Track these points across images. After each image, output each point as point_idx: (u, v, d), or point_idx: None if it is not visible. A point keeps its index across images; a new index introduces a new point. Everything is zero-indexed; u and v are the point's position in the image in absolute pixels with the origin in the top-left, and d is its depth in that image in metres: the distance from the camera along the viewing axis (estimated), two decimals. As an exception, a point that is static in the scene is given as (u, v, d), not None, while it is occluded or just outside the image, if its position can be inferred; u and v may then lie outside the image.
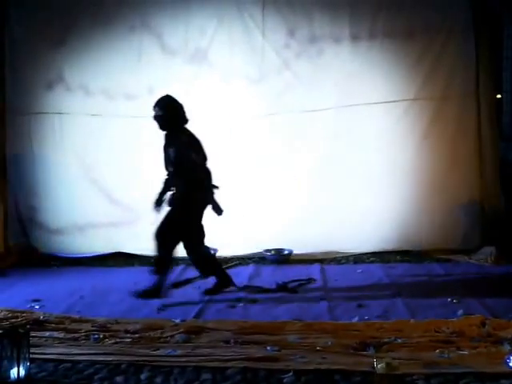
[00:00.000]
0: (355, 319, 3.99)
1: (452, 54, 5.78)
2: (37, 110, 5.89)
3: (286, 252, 5.83)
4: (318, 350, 3.40)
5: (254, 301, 4.54)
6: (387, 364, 2.73)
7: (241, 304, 4.46)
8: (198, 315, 4.20)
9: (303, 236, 5.82)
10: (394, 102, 5.81)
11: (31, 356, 3.15)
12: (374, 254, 5.82)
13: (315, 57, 5.84)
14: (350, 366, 3.15)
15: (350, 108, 5.83)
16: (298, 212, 5.86)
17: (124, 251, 5.92)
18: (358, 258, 5.78)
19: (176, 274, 5.27)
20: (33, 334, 3.41)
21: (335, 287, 4.87)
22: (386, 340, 3.49)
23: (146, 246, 5.71)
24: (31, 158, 5.91)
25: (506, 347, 3.37)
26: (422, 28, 5.75)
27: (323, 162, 5.89)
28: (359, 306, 4.32)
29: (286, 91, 5.88)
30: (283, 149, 5.91)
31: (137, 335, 3.70)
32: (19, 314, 4.07)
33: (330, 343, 3.49)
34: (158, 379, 3.12)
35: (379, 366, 2.74)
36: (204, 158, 4.68)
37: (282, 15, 5.84)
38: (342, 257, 5.80)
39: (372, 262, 5.68)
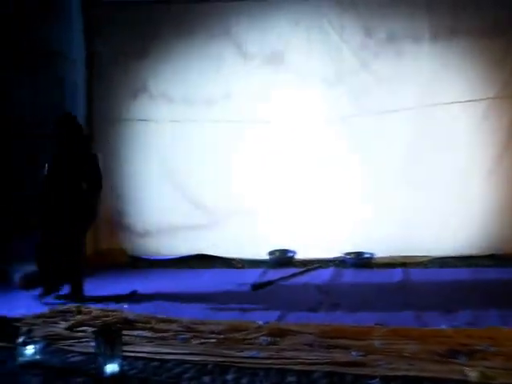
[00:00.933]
0: (443, 325, 3.87)
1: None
2: (123, 118, 6.07)
3: (367, 255, 5.76)
4: (405, 357, 3.33)
5: (336, 304, 4.52)
6: (481, 373, 2.65)
7: (322, 308, 4.44)
8: (280, 318, 4.20)
9: (384, 238, 5.74)
10: (474, 101, 5.66)
11: (123, 353, 3.25)
12: (459, 257, 5.66)
13: (393, 57, 5.76)
14: (439, 374, 3.07)
15: (430, 108, 5.72)
16: (378, 214, 5.80)
17: (206, 253, 6.01)
18: (443, 262, 5.61)
19: (256, 275, 5.34)
20: (123, 332, 3.48)
21: (420, 292, 4.76)
22: (477, 348, 3.37)
23: (228, 248, 5.94)
24: (118, 164, 6.08)
25: None
26: (505, 25, 5.58)
27: (402, 163, 5.81)
28: (447, 311, 4.19)
29: (364, 92, 5.83)
30: (361, 150, 5.87)
31: (222, 336, 3.75)
32: (110, 313, 4.20)
33: (417, 350, 3.40)
34: (244, 380, 3.16)
35: (473, 374, 2.67)
36: (95, 185, 4.70)
37: (358, 15, 5.78)
38: (427, 261, 5.66)
39: (458, 266, 5.52)
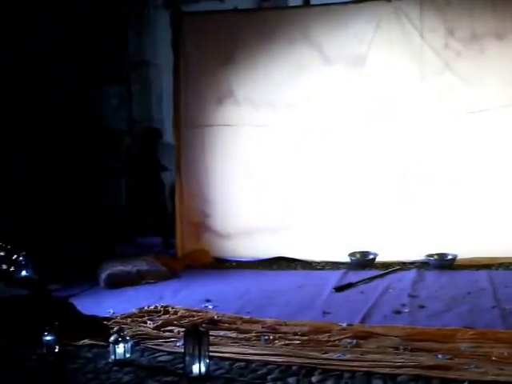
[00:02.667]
0: (532, 329, 3.79)
1: None
2: (208, 123, 6.19)
3: (450, 257, 5.65)
4: (494, 361, 3.26)
5: (421, 307, 4.45)
6: None
7: (406, 310, 4.39)
8: (363, 320, 4.19)
9: (468, 240, 5.63)
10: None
11: (210, 354, 3.32)
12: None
13: (477, 55, 5.63)
14: (529, 379, 3.00)
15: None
16: (462, 215, 5.70)
17: (286, 256, 6.05)
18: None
19: (337, 277, 5.33)
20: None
21: (507, 294, 4.61)
22: None
23: (307, 250, 5.98)
24: (203, 168, 6.23)
25: None
26: None
27: (488, 164, 5.67)
28: (535, 314, 4.10)
29: (448, 92, 5.73)
30: (446, 150, 5.77)
31: (305, 338, 3.76)
32: (195, 313, 4.31)
33: (506, 353, 3.33)
34: (329, 383, 3.15)
35: None
36: None
37: (440, 14, 5.67)
38: (510, 262, 5.49)
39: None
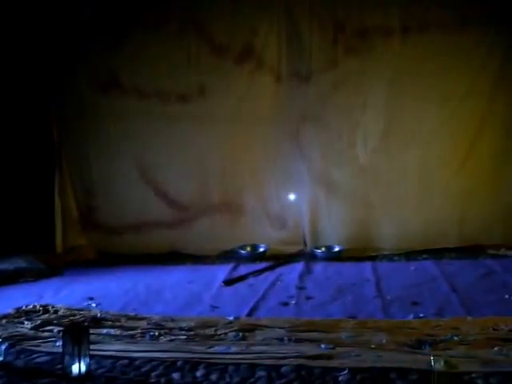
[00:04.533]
0: (410, 317, 3.93)
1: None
2: (91, 113, 5.92)
3: (337, 249, 5.79)
4: (373, 348, 3.36)
5: (308, 298, 4.53)
6: (445, 362, 2.69)
7: (293, 301, 4.45)
8: (250, 313, 4.20)
9: (355, 233, 5.83)
10: (443, 97, 5.70)
11: (90, 352, 3.21)
12: (425, 250, 5.70)
13: (366, 51, 5.73)
14: (406, 364, 3.09)
15: (399, 104, 5.73)
16: (348, 208, 5.88)
17: (178, 251, 5.97)
18: (410, 255, 5.64)
19: (227, 271, 5.33)
20: (91, 331, 3.42)
21: (389, 285, 4.78)
22: (442, 338, 3.43)
23: (200, 245, 5.92)
24: (88, 160, 6.01)
25: None
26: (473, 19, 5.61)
27: (371, 159, 5.86)
28: (414, 303, 4.25)
29: (334, 89, 5.81)
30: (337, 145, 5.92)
31: (191, 332, 3.73)
32: (77, 312, 4.15)
33: (384, 341, 3.45)
34: (214, 376, 3.13)
35: (437, 364, 2.70)
36: None
37: (329, 8, 5.74)
38: (395, 254, 5.70)
39: (424, 259, 5.55)
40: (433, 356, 2.89)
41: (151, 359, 3.35)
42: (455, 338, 3.45)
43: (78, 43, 5.80)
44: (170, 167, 6.00)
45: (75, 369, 3.12)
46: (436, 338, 3.43)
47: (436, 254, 5.62)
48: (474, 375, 2.98)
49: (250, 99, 5.85)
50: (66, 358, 3.15)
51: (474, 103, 5.68)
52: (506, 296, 4.34)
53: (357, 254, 5.71)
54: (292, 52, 5.82)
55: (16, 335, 3.70)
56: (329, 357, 3.28)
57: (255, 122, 5.89)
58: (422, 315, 3.98)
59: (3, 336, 3.51)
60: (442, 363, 2.69)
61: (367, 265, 5.43)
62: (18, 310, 4.20)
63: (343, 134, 5.88)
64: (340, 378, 3.05)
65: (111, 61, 5.86)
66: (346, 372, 3.09)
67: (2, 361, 3.32)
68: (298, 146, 5.91)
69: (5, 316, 4.07)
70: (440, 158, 5.76)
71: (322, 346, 3.43)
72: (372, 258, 5.62)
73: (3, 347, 3.35)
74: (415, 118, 5.74)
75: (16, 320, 4.00)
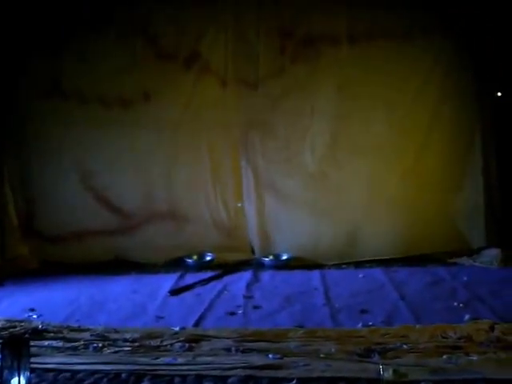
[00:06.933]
0: (359, 325, 3.93)
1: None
2: (32, 118, 5.76)
3: (285, 257, 5.76)
4: (322, 357, 3.33)
5: (256, 307, 4.48)
6: (394, 371, 2.69)
7: (240, 311, 4.40)
8: (197, 323, 4.14)
9: (302, 240, 5.79)
10: (389, 106, 5.73)
11: (31, 366, 3.08)
12: (373, 260, 5.70)
13: (312, 60, 5.72)
14: (354, 373, 3.08)
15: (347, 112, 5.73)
16: (296, 215, 5.84)
17: (122, 258, 5.82)
18: (358, 264, 5.64)
19: (173, 280, 5.23)
20: (32, 343, 3.32)
21: (337, 293, 4.77)
22: (391, 346, 3.43)
23: (145, 253, 5.80)
24: (28, 166, 5.82)
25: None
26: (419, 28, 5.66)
27: (319, 167, 5.85)
28: (362, 311, 4.25)
29: (283, 97, 5.78)
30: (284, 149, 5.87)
31: (136, 344, 3.64)
32: (17, 324, 4.00)
33: (333, 350, 3.43)
34: (160, 388, 3.06)
35: (386, 372, 2.69)
36: None
37: (276, 16, 5.71)
38: (343, 262, 5.68)
39: (372, 266, 5.56)
40: (382, 365, 2.89)
41: (95, 371, 3.26)
42: (404, 347, 3.45)
43: (18, 46, 5.63)
44: (112, 173, 5.85)
45: (15, 383, 2.99)
46: (385, 347, 3.42)
47: (385, 262, 5.61)
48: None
49: (195, 105, 5.78)
50: (5, 372, 3.01)
51: (421, 111, 5.73)
52: (455, 303, 4.38)
53: (305, 262, 5.69)
54: (239, 58, 5.78)
55: (-51, 350, 3.53)
56: (277, 367, 3.25)
57: (201, 128, 5.81)
58: (370, 323, 3.97)
59: None
60: (391, 372, 2.70)
61: (316, 273, 5.40)
62: (-47, 322, 4.04)
63: (291, 142, 5.85)
64: (288, 389, 3.01)
65: (53, 65, 5.70)
66: (294, 382, 3.07)
67: None
68: (245, 152, 5.85)
69: None
70: (387, 166, 5.77)
71: (270, 356, 3.39)
72: (320, 266, 5.59)
73: None
74: (363, 126, 5.75)
75: (-50, 333, 3.83)
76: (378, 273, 5.35)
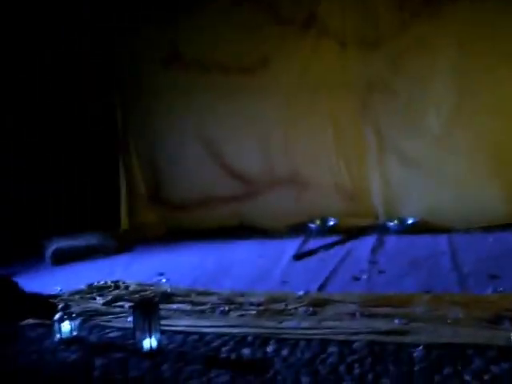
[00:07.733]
0: (488, 291, 3.77)
1: None
2: (152, 88, 5.93)
3: (410, 221, 5.59)
4: (449, 323, 3.22)
5: (380, 272, 4.41)
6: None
7: (365, 276, 4.34)
8: (321, 287, 4.13)
9: (429, 204, 5.59)
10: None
11: (161, 328, 3.22)
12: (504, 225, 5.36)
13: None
14: (484, 340, 2.96)
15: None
16: (423, 179, 5.65)
17: (246, 224, 5.93)
18: (488, 229, 5.32)
19: (297, 245, 5.26)
20: (161, 306, 3.46)
21: (465, 258, 4.58)
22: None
23: (268, 219, 5.85)
24: (153, 136, 6.03)
25: None
26: None
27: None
28: (492, 277, 4.04)
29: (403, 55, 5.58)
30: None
31: (261, 308, 3.70)
32: (147, 288, 4.20)
33: (461, 316, 3.30)
34: (285, 352, 3.09)
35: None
36: None
37: None
38: (472, 227, 5.40)
39: (502, 231, 5.23)
40: (513, 332, 2.75)
41: (221, 334, 3.34)
42: (537, 313, 3.27)
43: (134, 18, 5.81)
44: (233, 140, 5.94)
45: (146, 344, 3.15)
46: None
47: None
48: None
49: (314, 69, 5.71)
50: (137, 333, 3.18)
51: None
52: None
53: (431, 226, 5.49)
54: (357, 17, 5.62)
55: (88, 311, 3.78)
56: (403, 332, 3.18)
57: (321, 92, 5.72)
58: (501, 289, 3.80)
59: (76, 311, 3.55)
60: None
61: (442, 237, 5.21)
62: (90, 286, 4.30)
63: (413, 102, 5.62)
64: (415, 355, 2.94)
65: (171, 34, 5.84)
66: (420, 348, 2.99)
67: (75, 336, 3.37)
68: (367, 115, 5.71)
69: (77, 292, 4.17)
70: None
71: (396, 321, 3.32)
72: (447, 230, 5.37)
73: (77, 322, 3.40)
74: (489, 85, 5.42)
75: (88, 296, 4.09)
76: (508, 237, 5.07)
